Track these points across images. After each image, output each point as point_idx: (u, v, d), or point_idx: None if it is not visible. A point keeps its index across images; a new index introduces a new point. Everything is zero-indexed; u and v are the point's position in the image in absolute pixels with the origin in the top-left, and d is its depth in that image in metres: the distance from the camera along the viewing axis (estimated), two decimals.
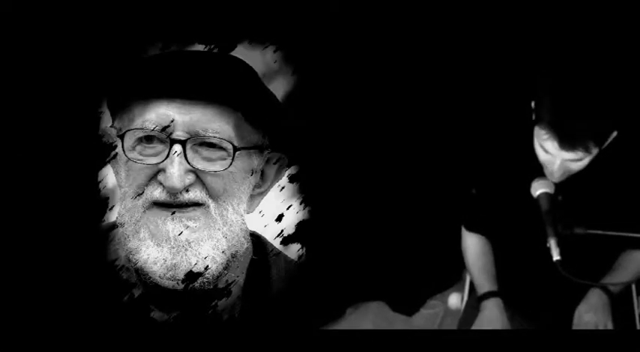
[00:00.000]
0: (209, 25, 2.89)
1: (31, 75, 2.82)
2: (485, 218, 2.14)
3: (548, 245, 1.78)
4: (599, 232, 1.77)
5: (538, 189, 1.89)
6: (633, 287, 2.20)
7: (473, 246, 2.15)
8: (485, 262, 2.12)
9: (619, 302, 2.09)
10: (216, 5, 2.86)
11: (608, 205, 2.02)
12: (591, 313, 1.96)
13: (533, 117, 1.91)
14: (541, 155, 1.86)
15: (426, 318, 2.83)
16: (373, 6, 2.74)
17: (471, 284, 2.27)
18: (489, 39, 2.73)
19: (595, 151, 1.85)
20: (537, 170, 1.94)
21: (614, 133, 1.91)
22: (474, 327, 2.01)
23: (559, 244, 1.77)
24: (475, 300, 2.13)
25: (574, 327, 2.01)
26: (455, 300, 2.34)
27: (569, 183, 1.93)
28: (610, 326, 1.98)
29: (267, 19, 2.84)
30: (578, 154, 1.82)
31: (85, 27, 2.86)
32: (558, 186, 1.92)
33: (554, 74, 1.90)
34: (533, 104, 1.92)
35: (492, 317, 2.00)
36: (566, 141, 1.80)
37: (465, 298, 2.30)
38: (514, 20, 2.73)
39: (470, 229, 2.16)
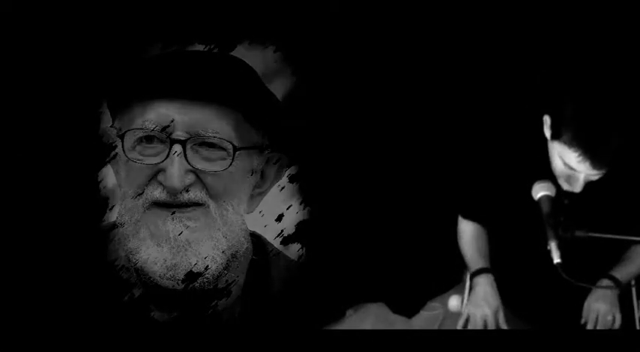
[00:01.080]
0: (209, 25, 2.89)
1: (30, 75, 2.81)
2: (483, 210, 2.15)
3: (548, 247, 1.78)
4: (601, 235, 1.77)
5: (539, 191, 1.89)
6: (634, 290, 2.20)
7: (468, 230, 2.18)
8: (480, 243, 2.15)
9: (621, 303, 2.10)
10: (216, 5, 2.86)
11: (610, 208, 2.02)
12: (600, 301, 1.98)
13: (548, 132, 1.90)
14: (563, 171, 1.86)
15: (426, 320, 2.83)
16: (373, 6, 2.74)
17: (472, 286, 2.27)
18: (491, 37, 2.73)
19: None
20: (539, 172, 1.94)
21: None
22: (467, 305, 2.03)
23: (560, 247, 1.77)
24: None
25: (583, 317, 2.02)
26: (455, 302, 2.34)
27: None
28: (618, 315, 2.00)
29: (267, 19, 2.84)
30: (606, 169, 1.83)
31: (84, 27, 2.86)
32: (563, 189, 1.92)
33: (576, 96, 1.89)
34: (547, 119, 1.91)
35: (483, 293, 2.02)
36: (599, 162, 1.80)
37: (466, 300, 2.30)
38: (521, 23, 2.73)
39: (466, 217, 2.17)
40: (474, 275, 2.09)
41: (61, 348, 1.90)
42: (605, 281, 2.03)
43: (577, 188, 1.86)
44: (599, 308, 1.99)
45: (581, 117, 1.83)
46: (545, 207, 1.85)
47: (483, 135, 2.32)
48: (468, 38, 2.76)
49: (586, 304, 2.03)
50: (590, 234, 1.77)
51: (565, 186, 1.90)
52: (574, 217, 1.86)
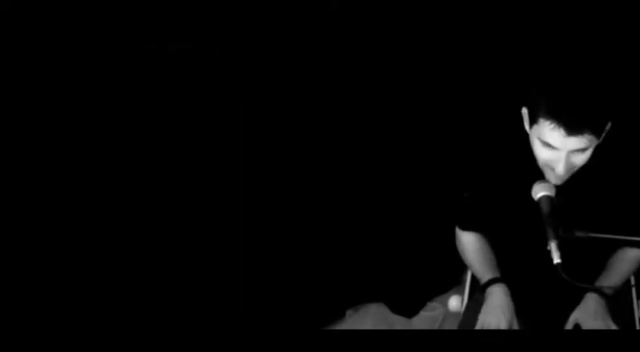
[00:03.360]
0: (210, 25, 2.89)
1: (30, 75, 2.81)
2: (481, 219, 2.15)
3: (548, 248, 1.77)
4: (601, 235, 1.77)
5: (539, 191, 1.87)
6: (634, 290, 2.19)
7: (470, 242, 2.16)
8: (486, 254, 2.13)
9: (618, 306, 2.08)
10: (217, 5, 2.85)
11: (609, 208, 2.01)
12: (591, 320, 1.96)
13: (527, 123, 1.90)
14: (544, 154, 1.84)
15: (425, 320, 2.82)
16: (373, 6, 2.75)
17: (471, 286, 2.26)
18: (487, 40, 2.74)
19: (596, 140, 1.84)
20: (536, 172, 1.94)
21: (609, 125, 1.84)
22: (481, 314, 2.01)
23: (560, 247, 1.77)
24: (475, 302, 2.13)
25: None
26: (455, 303, 2.32)
27: (571, 186, 1.92)
28: (614, 327, 1.98)
29: (267, 18, 2.84)
30: (584, 140, 1.79)
31: (83, 27, 2.86)
32: (559, 188, 1.92)
33: (544, 72, 1.88)
34: (525, 111, 1.90)
35: (499, 302, 1.99)
36: (573, 125, 1.76)
37: (465, 301, 2.29)
38: (507, 23, 2.74)
39: (465, 229, 2.16)
40: (486, 285, 2.04)
41: (62, 348, 1.90)
42: (592, 296, 1.97)
43: (561, 169, 1.82)
44: (593, 327, 1.96)
45: (550, 88, 1.81)
46: (545, 207, 1.84)
47: (470, 140, 2.32)
48: (465, 41, 2.76)
49: (572, 320, 2.00)
50: (590, 235, 1.77)
51: (552, 179, 1.89)
52: (574, 217, 1.86)
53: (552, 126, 1.76)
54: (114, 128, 2.77)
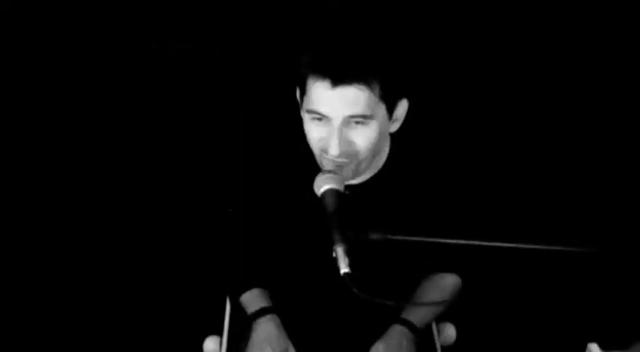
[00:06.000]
0: (210, 25, 2.90)
1: (30, 75, 2.81)
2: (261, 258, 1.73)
3: (334, 254, 1.36)
4: (400, 238, 1.34)
5: (323, 185, 1.46)
6: (433, 323, 1.76)
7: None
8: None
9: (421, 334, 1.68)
10: (217, 5, 2.86)
11: (408, 206, 1.61)
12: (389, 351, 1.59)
13: (301, 104, 1.49)
14: (315, 133, 1.47)
15: None
16: (372, 6, 2.75)
17: (231, 325, 1.82)
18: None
19: (375, 105, 1.43)
20: (315, 170, 1.50)
21: (405, 102, 1.49)
22: (249, 348, 1.62)
23: (349, 253, 1.35)
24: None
25: None
26: (212, 345, 1.78)
27: (369, 185, 1.58)
28: None
29: (267, 19, 2.84)
30: (359, 101, 1.41)
31: (83, 27, 2.87)
32: (356, 188, 1.57)
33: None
34: (297, 92, 1.50)
35: (268, 333, 1.62)
36: (338, 71, 1.39)
37: (225, 343, 1.78)
38: None
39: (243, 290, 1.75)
40: (252, 317, 1.65)
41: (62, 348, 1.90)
42: (399, 328, 1.62)
43: (335, 147, 1.43)
44: None
45: (313, 40, 1.49)
46: (331, 204, 1.43)
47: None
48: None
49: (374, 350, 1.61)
50: (389, 237, 1.34)
51: (325, 162, 1.49)
52: (367, 216, 1.50)
53: (317, 79, 1.42)
54: (114, 128, 2.77)
